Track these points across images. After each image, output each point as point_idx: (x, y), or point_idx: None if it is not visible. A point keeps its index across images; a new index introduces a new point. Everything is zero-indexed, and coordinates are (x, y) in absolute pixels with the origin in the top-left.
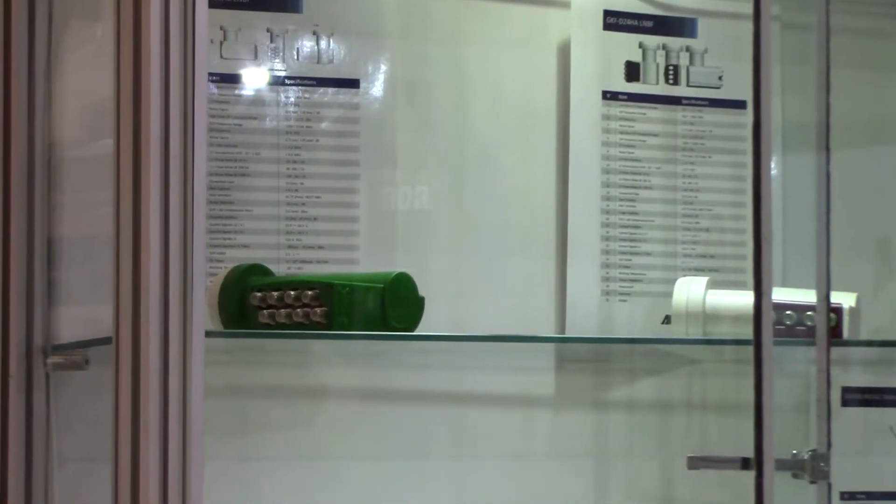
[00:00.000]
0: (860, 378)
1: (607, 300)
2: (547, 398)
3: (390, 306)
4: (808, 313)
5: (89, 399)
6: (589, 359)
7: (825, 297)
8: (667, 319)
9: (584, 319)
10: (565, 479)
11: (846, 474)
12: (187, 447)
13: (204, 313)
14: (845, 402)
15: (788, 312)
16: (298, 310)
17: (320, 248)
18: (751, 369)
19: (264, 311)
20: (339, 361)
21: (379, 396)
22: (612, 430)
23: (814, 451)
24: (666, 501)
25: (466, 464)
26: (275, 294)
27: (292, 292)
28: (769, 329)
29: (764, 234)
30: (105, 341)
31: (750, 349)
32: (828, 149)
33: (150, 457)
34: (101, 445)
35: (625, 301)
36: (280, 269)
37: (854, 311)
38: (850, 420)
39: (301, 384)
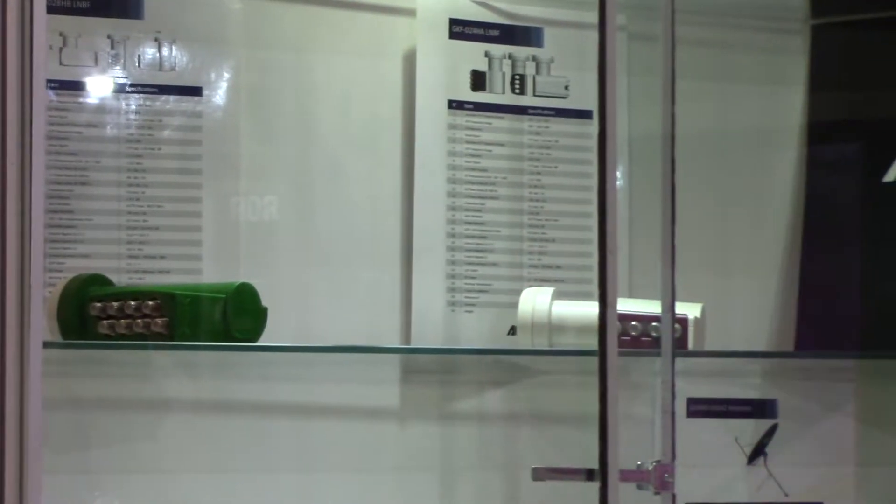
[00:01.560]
0: (705, 389)
1: (453, 311)
2: (392, 410)
3: (233, 317)
4: (654, 324)
5: None
6: (435, 370)
7: (670, 308)
8: (513, 330)
9: (430, 330)
10: (411, 493)
11: (691, 485)
12: (24, 460)
13: (41, 324)
14: (691, 413)
15: (634, 323)
16: (139, 320)
17: (162, 258)
18: (595, 380)
19: (104, 321)
20: (182, 373)
21: (222, 408)
22: (458, 443)
23: (658, 461)
24: None
25: (311, 477)
26: (115, 304)
27: (132, 302)
28: (614, 340)
29: (609, 246)
30: None
31: (594, 360)
32: (672, 159)
33: None
34: None
35: (471, 312)
36: (121, 280)
37: (699, 322)
38: (694, 431)
39: (142, 396)
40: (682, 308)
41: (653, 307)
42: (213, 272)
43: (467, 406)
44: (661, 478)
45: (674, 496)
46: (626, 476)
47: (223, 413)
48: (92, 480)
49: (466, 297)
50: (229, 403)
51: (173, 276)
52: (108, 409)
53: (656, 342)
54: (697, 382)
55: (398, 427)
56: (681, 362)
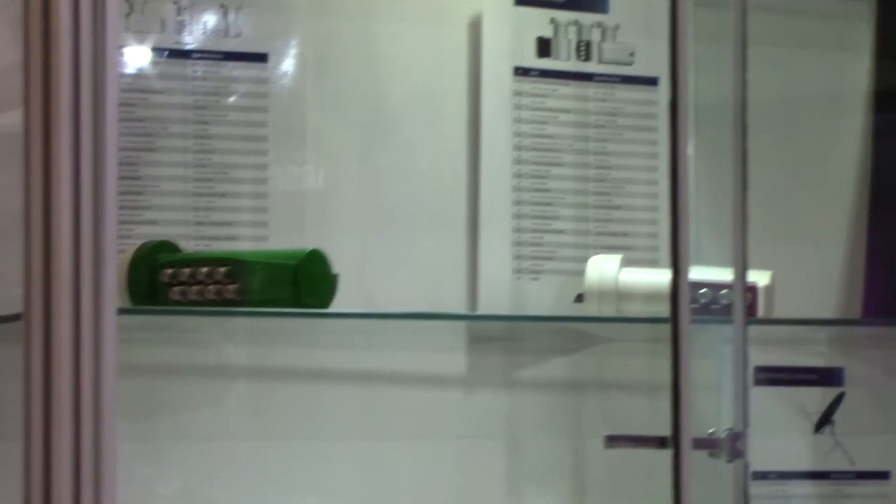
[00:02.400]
0: (772, 357)
1: (519, 278)
2: (458, 378)
3: (303, 283)
4: (723, 292)
5: None
6: (500, 338)
7: (742, 276)
8: (578, 298)
9: (496, 298)
10: (477, 460)
11: (758, 454)
12: (100, 426)
13: (115, 290)
14: (758, 382)
15: (703, 291)
16: (211, 287)
17: (229, 224)
18: (663, 348)
19: (175, 287)
20: (250, 340)
21: (288, 376)
22: (524, 410)
23: (731, 429)
24: (578, 481)
25: (377, 445)
26: (186, 271)
27: (204, 269)
28: (686, 307)
29: (681, 213)
30: (7, 319)
31: (662, 328)
32: (744, 126)
33: (63, 436)
34: (5, 426)
35: (536, 279)
36: (188, 246)
37: (768, 290)
38: (761, 399)
39: (208, 363)
40: (751, 276)
41: (721, 275)
42: (278, 239)
43: (533, 374)
44: (733, 446)
45: (746, 465)
46: (698, 444)
47: (289, 380)
48: (157, 448)
49: (532, 265)
50: (296, 371)
51: (240, 243)
52: (176, 376)
53: (725, 310)
54: (764, 351)
55: (464, 394)
56: (748, 330)
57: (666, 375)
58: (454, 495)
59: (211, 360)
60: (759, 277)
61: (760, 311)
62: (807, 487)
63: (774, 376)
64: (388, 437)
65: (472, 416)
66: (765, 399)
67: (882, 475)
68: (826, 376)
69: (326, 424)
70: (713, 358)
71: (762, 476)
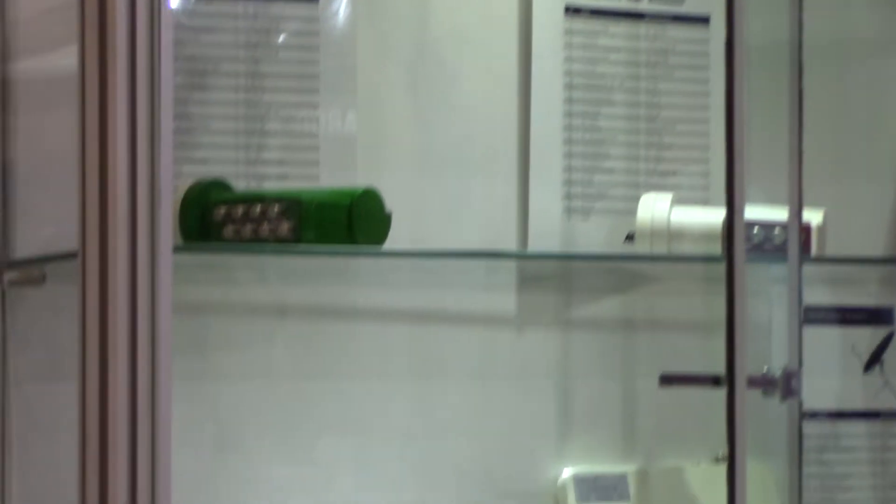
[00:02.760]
0: (822, 296)
1: (569, 218)
2: (509, 318)
3: (357, 222)
4: (776, 230)
5: (47, 317)
6: (551, 278)
7: (797, 214)
8: (629, 237)
9: (546, 237)
10: (528, 399)
11: (807, 393)
12: (156, 363)
13: (171, 227)
14: (807, 321)
15: (755, 230)
16: (264, 225)
17: (280, 163)
18: (715, 287)
19: (228, 226)
20: (301, 279)
21: (339, 315)
22: (575, 350)
23: (785, 368)
24: (629, 421)
25: (428, 384)
26: (239, 209)
27: (258, 207)
28: (742, 245)
29: (736, 151)
30: (62, 257)
31: (714, 267)
32: (800, 65)
33: (119, 372)
34: (59, 364)
35: (587, 219)
36: (239, 185)
37: (821, 229)
38: (811, 338)
39: (262, 302)
40: (804, 214)
41: (773, 213)
42: (329, 179)
43: (584, 314)
44: (787, 384)
45: (800, 403)
46: (752, 382)
47: (340, 320)
48: (213, 387)
49: (583, 204)
50: (346, 310)
51: (291, 182)
52: (226, 316)
53: (777, 248)
54: (814, 290)
55: (515, 334)
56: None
57: (718, 315)
58: (505, 435)
59: (262, 300)
60: (812, 216)
61: (813, 250)
62: (856, 427)
63: (824, 316)
64: (438, 377)
65: (523, 356)
66: (814, 339)
67: None
68: (876, 316)
69: (377, 364)
70: (761, 298)
71: (812, 415)
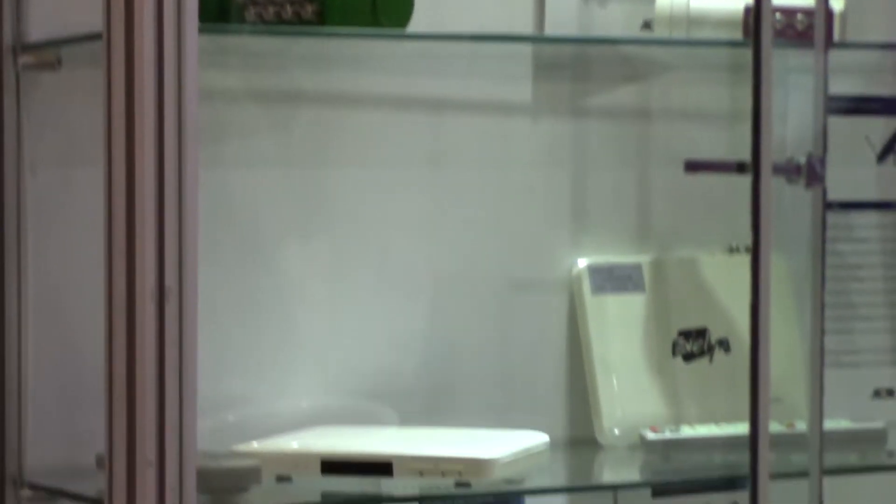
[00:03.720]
0: (837, 85)
1: (586, 3)
2: (525, 105)
3: (382, 2)
4: (799, 16)
5: (63, 102)
6: (567, 65)
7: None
8: (646, 25)
9: (563, 23)
10: (543, 187)
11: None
12: (183, 147)
13: (197, 7)
14: (829, 111)
15: (778, 16)
16: (288, 6)
17: None
18: (734, 76)
19: (250, 8)
20: (319, 66)
21: (357, 102)
22: (591, 139)
23: (810, 154)
24: (644, 211)
25: (443, 171)
26: None
27: None
28: (769, 27)
29: None
30: (78, 40)
31: (734, 54)
32: None
33: (146, 157)
34: (76, 150)
35: (604, 6)
36: None
37: (843, 15)
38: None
39: (279, 87)
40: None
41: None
42: None
43: (601, 101)
44: (812, 171)
45: (824, 190)
46: (777, 169)
47: (357, 106)
48: (230, 174)
49: None
50: (366, 97)
51: None
52: (245, 101)
53: (800, 35)
54: (831, 78)
55: (531, 122)
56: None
57: (737, 104)
58: (519, 225)
59: (279, 86)
60: (834, 1)
61: (836, 36)
62: (869, 217)
63: (838, 105)
64: (453, 166)
65: (538, 145)
66: (829, 127)
67: None
68: (891, 106)
69: (393, 151)
70: (778, 87)
71: (826, 206)
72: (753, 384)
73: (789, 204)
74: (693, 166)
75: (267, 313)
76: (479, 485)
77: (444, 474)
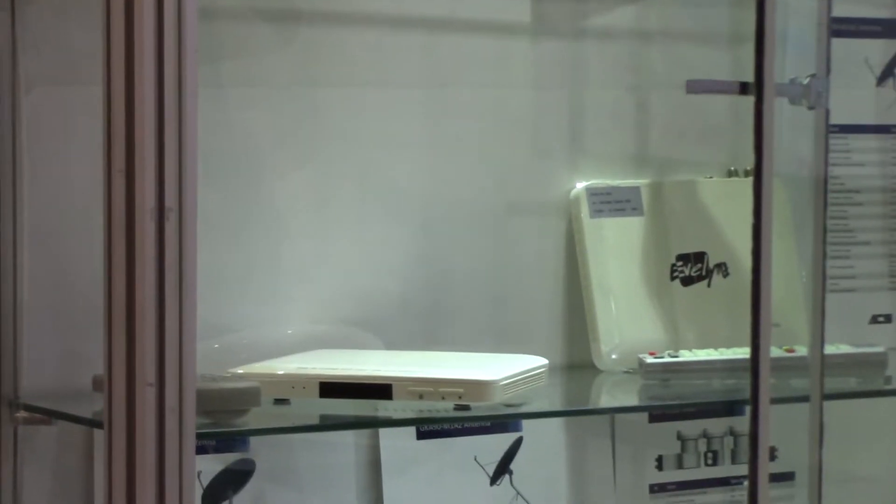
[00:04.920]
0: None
1: None
2: (524, 25)
3: None
4: None
5: (58, 21)
6: None
7: None
8: None
9: None
10: (542, 109)
11: None
12: (182, 67)
13: None
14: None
15: None
16: None
17: None
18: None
19: None
20: None
21: (354, 21)
22: (589, 61)
23: (813, 76)
24: (641, 130)
25: (441, 92)
26: None
27: None
28: None
29: None
30: None
31: None
32: None
33: (146, 78)
34: (71, 69)
35: None
36: None
37: None
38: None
39: (276, 6)
40: None
41: None
42: None
43: (600, 22)
44: (816, 92)
45: (827, 111)
46: (780, 91)
47: (355, 26)
48: (218, 92)
49: None
50: (362, 16)
51: None
52: (239, 21)
53: None
54: None
55: (529, 43)
56: None
57: (736, 27)
58: (518, 147)
59: (278, 4)
60: None
61: None
62: (869, 141)
63: (838, 27)
64: (452, 87)
65: (536, 66)
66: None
67: None
68: (890, 28)
69: (389, 72)
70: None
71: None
72: (755, 307)
73: (788, 127)
74: (695, 86)
75: (259, 236)
76: (479, 409)
77: (444, 397)
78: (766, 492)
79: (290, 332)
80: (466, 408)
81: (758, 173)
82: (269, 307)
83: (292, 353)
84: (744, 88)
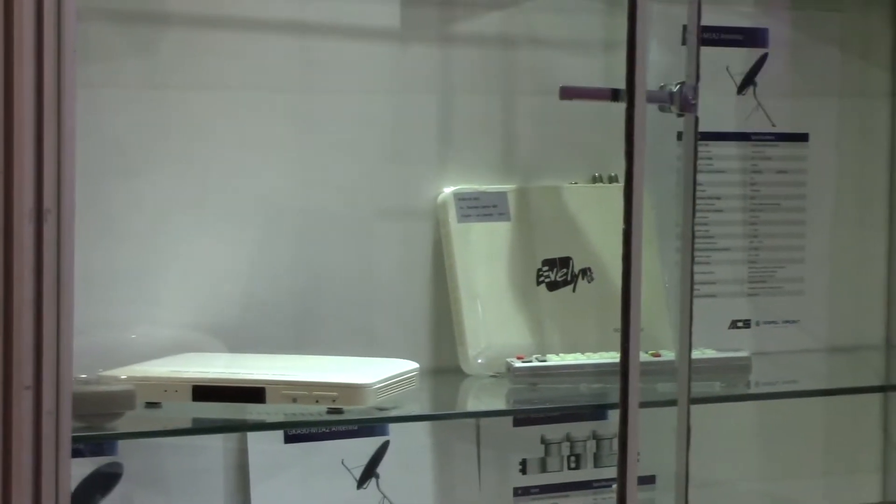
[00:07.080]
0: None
1: None
2: (393, 31)
3: None
4: None
5: None
6: None
7: None
8: None
9: None
10: (410, 114)
11: None
12: (62, 68)
13: None
14: (683, 41)
15: None
16: None
17: None
18: (596, 4)
19: None
20: None
21: (224, 24)
22: (458, 66)
23: (682, 83)
24: (509, 136)
25: (310, 97)
26: None
27: None
28: None
29: None
30: None
31: None
32: None
33: (25, 78)
34: None
35: None
36: None
37: None
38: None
39: (146, 8)
40: None
41: None
42: None
43: (468, 27)
44: (686, 99)
45: (696, 118)
46: (651, 98)
47: (225, 29)
48: (90, 94)
49: None
50: (231, 20)
51: None
52: (111, 22)
53: None
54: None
55: (399, 47)
56: None
57: (606, 34)
58: (385, 149)
59: (148, 6)
60: None
61: None
62: (729, 149)
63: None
64: (320, 91)
65: (405, 70)
66: None
67: (801, 137)
68: (751, 37)
69: (259, 76)
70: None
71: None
72: (625, 312)
73: (650, 134)
74: (568, 93)
75: (132, 240)
76: (351, 412)
77: (317, 401)
78: (635, 494)
79: (133, 336)
80: (339, 411)
81: (629, 178)
82: (132, 310)
83: (158, 356)
84: (615, 95)
